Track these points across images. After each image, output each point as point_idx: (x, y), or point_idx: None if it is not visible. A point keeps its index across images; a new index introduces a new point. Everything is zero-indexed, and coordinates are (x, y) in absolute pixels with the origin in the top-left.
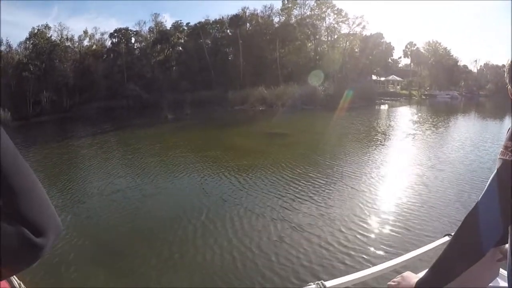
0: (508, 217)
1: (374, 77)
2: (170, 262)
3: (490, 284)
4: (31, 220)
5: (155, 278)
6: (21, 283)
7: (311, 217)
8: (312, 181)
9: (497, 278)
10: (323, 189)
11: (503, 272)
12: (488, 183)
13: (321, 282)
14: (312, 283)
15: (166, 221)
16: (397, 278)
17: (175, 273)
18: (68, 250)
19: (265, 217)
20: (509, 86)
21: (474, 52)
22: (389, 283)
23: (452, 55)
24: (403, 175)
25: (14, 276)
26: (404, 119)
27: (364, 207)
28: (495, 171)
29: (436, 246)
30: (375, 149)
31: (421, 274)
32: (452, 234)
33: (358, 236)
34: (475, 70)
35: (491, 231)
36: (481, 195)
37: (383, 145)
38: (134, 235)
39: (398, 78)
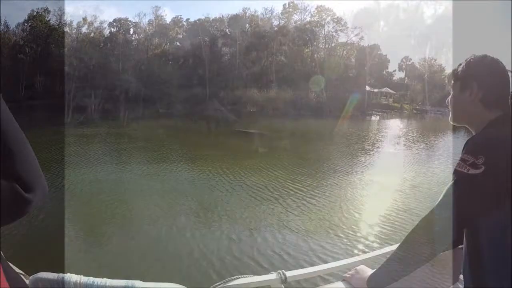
0: (460, 224)
1: (367, 88)
2: (141, 250)
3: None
4: (22, 178)
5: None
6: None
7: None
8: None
9: (457, 282)
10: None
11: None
12: (445, 192)
13: (282, 272)
14: (273, 272)
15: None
16: (352, 271)
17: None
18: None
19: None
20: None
21: None
22: (344, 275)
23: (446, 73)
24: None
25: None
26: (391, 133)
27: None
28: (452, 181)
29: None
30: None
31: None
32: None
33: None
34: None
35: (444, 235)
36: (436, 203)
37: (359, 162)
38: None
39: (391, 91)
